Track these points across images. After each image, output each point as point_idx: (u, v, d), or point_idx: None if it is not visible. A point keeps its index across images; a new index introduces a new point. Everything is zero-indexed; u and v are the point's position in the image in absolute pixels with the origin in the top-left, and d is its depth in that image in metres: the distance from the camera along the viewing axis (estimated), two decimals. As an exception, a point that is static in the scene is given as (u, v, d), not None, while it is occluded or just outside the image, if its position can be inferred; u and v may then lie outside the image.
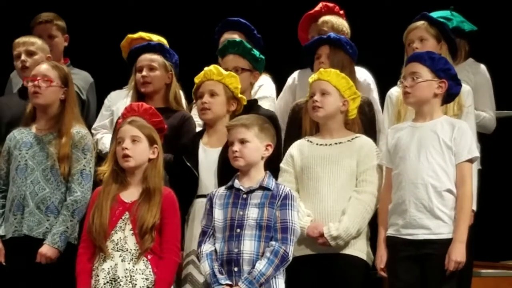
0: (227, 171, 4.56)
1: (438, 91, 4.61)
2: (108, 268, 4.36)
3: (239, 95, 4.89)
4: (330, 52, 5.03)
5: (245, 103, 4.92)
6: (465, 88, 4.95)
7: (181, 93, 5.31)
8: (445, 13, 5.47)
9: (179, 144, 4.94)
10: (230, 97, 4.84)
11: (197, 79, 4.90)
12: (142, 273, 4.36)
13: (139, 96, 5.17)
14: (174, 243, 4.45)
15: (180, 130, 5.05)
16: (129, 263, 4.37)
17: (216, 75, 4.86)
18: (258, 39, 5.64)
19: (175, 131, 5.01)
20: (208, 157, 4.77)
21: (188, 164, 4.76)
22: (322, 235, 4.56)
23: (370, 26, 6.62)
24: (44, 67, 4.90)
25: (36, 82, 4.83)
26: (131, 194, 4.48)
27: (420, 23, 5.13)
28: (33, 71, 4.92)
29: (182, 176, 4.77)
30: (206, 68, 4.90)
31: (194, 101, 5.03)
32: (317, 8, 5.66)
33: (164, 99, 5.17)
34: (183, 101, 5.30)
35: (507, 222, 5.25)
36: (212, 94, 4.82)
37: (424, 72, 4.61)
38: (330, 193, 4.63)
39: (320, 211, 4.63)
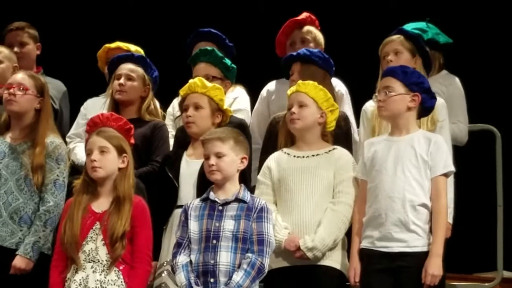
0: (206, 182, 4.60)
1: (412, 105, 4.67)
2: (80, 279, 4.41)
3: (224, 107, 4.93)
4: (301, 69, 5.09)
5: (231, 114, 4.98)
6: (439, 101, 5.00)
7: (158, 106, 5.36)
8: (421, 24, 5.55)
9: (164, 155, 5.00)
10: (215, 109, 4.87)
11: (182, 92, 4.94)
12: (114, 284, 4.41)
13: (115, 105, 5.22)
14: (146, 252, 4.50)
15: (151, 139, 5.11)
16: (100, 274, 4.41)
17: (201, 88, 4.89)
18: (231, 48, 5.69)
19: (146, 140, 5.07)
20: (189, 168, 4.80)
21: (170, 174, 4.80)
22: (299, 248, 4.60)
23: (345, 39, 6.71)
24: (20, 76, 4.94)
25: (11, 90, 4.86)
26: (101, 204, 4.53)
27: (396, 36, 5.21)
28: (9, 79, 4.95)
29: (162, 186, 4.82)
30: (190, 81, 4.93)
31: (180, 113, 5.05)
32: (302, 16, 5.73)
33: (138, 111, 5.23)
34: (160, 113, 5.34)
35: (480, 234, 5.33)
36: (197, 107, 4.85)
37: (397, 86, 4.67)
38: (308, 205, 4.68)
39: (298, 223, 4.67)
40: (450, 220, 4.90)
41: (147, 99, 5.25)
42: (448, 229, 4.87)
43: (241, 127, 4.95)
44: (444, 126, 5.01)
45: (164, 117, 5.42)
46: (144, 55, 5.56)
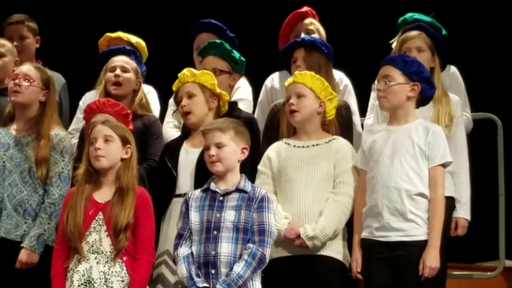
0: (204, 171, 4.73)
1: (411, 94, 4.78)
2: (83, 270, 4.52)
3: (218, 91, 5.05)
4: (306, 55, 5.22)
5: (227, 98, 5.10)
6: (454, 98, 5.16)
7: (149, 100, 5.52)
8: (429, 18, 5.60)
9: (164, 145, 5.14)
10: (209, 95, 5.01)
11: (174, 87, 5.10)
12: (118, 275, 4.53)
13: (107, 96, 5.29)
14: (149, 243, 4.61)
15: (146, 135, 5.23)
16: (104, 266, 4.53)
17: (190, 77, 5.03)
18: (232, 39, 5.79)
19: (141, 136, 5.17)
20: (188, 157, 4.94)
21: (169, 164, 4.93)
22: (299, 236, 4.74)
23: (345, 32, 6.86)
24: (26, 67, 5.06)
25: (17, 81, 4.98)
26: (104, 194, 4.64)
27: (417, 33, 5.24)
28: (15, 70, 5.09)
29: (161, 176, 4.96)
30: (179, 74, 5.08)
31: (176, 108, 5.20)
32: (304, 9, 5.89)
33: (130, 104, 5.33)
34: (152, 107, 5.50)
35: (482, 224, 5.49)
36: (190, 95, 5.00)
37: (397, 75, 4.78)
38: (307, 195, 4.81)
39: (297, 213, 4.80)
40: (468, 216, 5.10)
41: (139, 93, 5.38)
42: (464, 226, 5.10)
43: (250, 122, 5.07)
44: (460, 122, 5.15)
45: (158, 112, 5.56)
46: (139, 44, 5.72)
